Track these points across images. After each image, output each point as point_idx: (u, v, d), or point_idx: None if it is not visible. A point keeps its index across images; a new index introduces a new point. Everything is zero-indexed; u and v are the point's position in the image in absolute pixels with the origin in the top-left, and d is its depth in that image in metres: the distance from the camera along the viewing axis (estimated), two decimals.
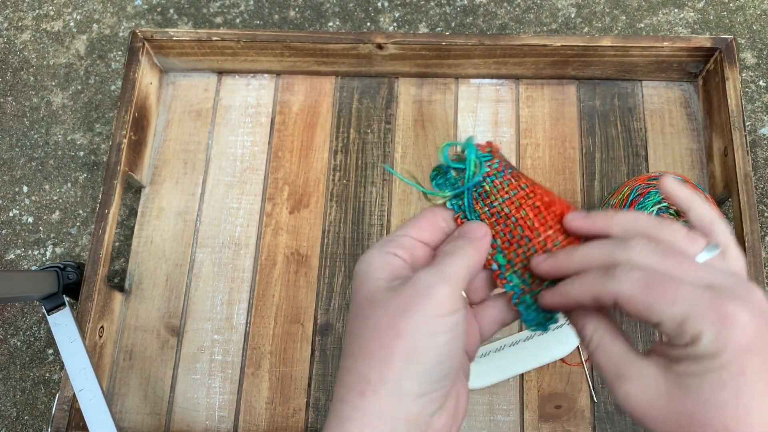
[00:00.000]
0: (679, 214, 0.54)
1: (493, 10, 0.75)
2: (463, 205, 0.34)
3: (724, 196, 0.60)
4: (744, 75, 0.70)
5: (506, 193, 0.34)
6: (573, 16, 0.74)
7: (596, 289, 0.29)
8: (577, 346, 0.58)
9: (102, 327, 0.59)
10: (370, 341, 0.28)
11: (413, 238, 0.32)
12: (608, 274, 0.28)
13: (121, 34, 0.76)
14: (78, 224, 0.69)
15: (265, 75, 0.70)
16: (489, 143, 0.35)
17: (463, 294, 0.32)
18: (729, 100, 0.60)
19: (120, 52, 0.75)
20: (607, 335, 0.31)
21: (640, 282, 0.27)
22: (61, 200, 0.70)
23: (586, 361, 0.58)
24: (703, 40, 0.62)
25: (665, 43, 0.62)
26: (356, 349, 0.29)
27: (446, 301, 0.28)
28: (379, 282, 0.30)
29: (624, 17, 0.73)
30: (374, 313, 0.29)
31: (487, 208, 0.34)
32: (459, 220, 0.34)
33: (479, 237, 0.33)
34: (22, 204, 0.70)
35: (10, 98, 0.74)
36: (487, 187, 0.34)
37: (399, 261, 0.31)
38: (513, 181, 0.34)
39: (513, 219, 0.34)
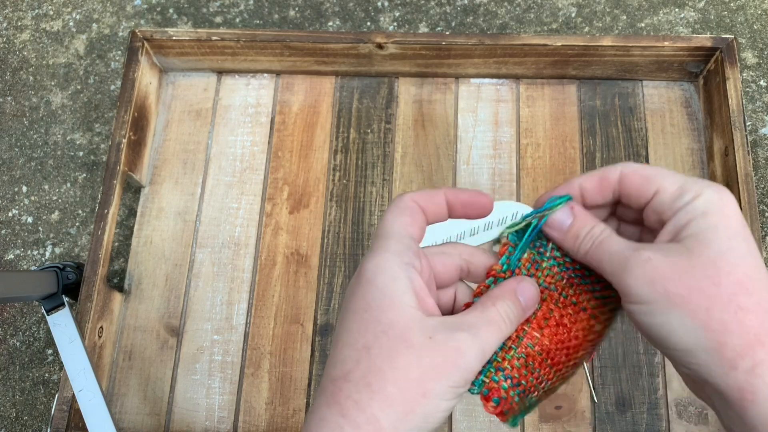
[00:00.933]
0: None
1: (494, 9, 0.74)
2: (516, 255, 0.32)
3: None
4: (745, 75, 0.70)
5: (552, 278, 0.32)
6: (573, 15, 0.74)
7: (602, 172, 0.30)
8: None
9: (101, 327, 0.59)
10: (394, 386, 0.27)
11: (427, 257, 0.30)
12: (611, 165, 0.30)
13: (120, 33, 0.76)
14: (77, 224, 0.68)
15: (265, 75, 0.70)
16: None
17: None
18: (730, 100, 0.60)
19: (119, 52, 0.75)
20: (608, 230, 0.30)
21: (642, 164, 0.30)
22: (60, 200, 0.70)
23: (586, 361, 0.58)
24: (704, 39, 0.62)
25: (666, 43, 0.62)
26: (375, 386, 0.27)
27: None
28: (410, 312, 0.28)
29: (625, 17, 0.73)
30: (404, 355, 0.27)
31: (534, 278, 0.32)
32: (494, 272, 0.32)
33: (529, 307, 0.31)
34: (22, 204, 0.70)
35: (9, 98, 0.74)
36: (545, 264, 0.32)
37: (419, 280, 0.29)
38: (564, 279, 0.32)
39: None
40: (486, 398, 0.31)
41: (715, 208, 0.27)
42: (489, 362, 0.30)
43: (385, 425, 0.26)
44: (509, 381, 0.30)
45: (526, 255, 0.32)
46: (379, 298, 0.28)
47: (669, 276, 0.26)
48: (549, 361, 0.31)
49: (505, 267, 0.32)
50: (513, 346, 0.31)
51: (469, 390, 0.30)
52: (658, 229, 0.29)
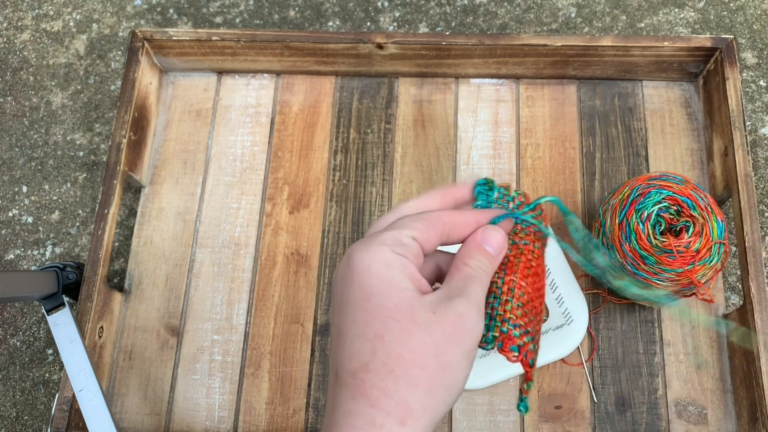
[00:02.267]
0: (679, 214, 0.54)
1: (494, 9, 0.74)
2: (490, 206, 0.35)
3: (724, 196, 0.60)
4: (744, 75, 0.70)
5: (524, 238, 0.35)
6: (573, 15, 0.74)
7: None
8: (578, 347, 0.58)
9: (102, 327, 0.59)
10: (415, 367, 0.27)
11: (417, 241, 0.31)
12: None
13: (120, 33, 0.76)
14: (77, 224, 0.69)
15: (265, 75, 0.70)
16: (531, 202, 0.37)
17: None
18: (729, 100, 0.60)
19: (120, 52, 0.75)
20: None
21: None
22: (60, 200, 0.70)
23: (586, 361, 0.58)
24: (704, 39, 0.62)
25: (665, 43, 0.62)
26: (397, 371, 0.27)
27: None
28: (410, 294, 0.29)
29: (624, 17, 0.73)
30: (417, 334, 0.28)
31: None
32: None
33: (498, 254, 0.33)
34: (22, 204, 0.70)
35: (9, 98, 0.74)
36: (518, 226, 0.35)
37: (413, 269, 0.30)
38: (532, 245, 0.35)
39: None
40: (503, 350, 0.32)
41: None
42: (492, 319, 0.32)
43: (414, 407, 0.27)
44: (518, 329, 0.32)
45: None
46: (377, 285, 0.28)
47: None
48: (533, 309, 0.33)
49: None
50: (509, 298, 0.32)
51: (485, 347, 0.31)
52: None
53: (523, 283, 0.33)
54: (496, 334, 0.31)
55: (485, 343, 0.31)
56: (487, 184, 0.36)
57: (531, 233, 0.36)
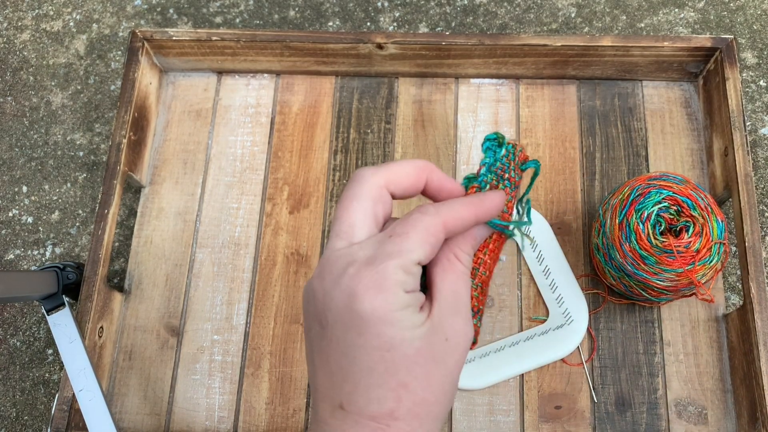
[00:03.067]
0: (679, 214, 0.54)
1: (494, 9, 0.74)
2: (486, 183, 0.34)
3: (724, 196, 0.60)
4: (744, 75, 0.70)
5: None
6: (573, 15, 0.74)
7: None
8: (578, 347, 0.58)
9: (101, 327, 0.59)
10: (437, 405, 0.28)
11: (421, 263, 0.29)
12: None
13: (120, 33, 0.76)
14: (77, 224, 0.69)
15: (265, 75, 0.70)
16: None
17: None
18: (729, 100, 0.60)
19: (120, 52, 0.75)
20: None
21: None
22: (60, 200, 0.70)
23: (586, 361, 0.58)
24: (704, 39, 0.62)
25: (665, 43, 0.62)
26: (422, 414, 0.28)
27: (470, 342, 0.30)
28: (426, 330, 0.28)
29: (624, 17, 0.73)
30: (437, 373, 0.28)
31: None
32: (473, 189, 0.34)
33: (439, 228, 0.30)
34: (22, 204, 0.70)
35: (9, 98, 0.74)
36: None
37: (421, 297, 0.29)
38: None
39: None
40: None
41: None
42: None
43: (429, 427, 0.28)
44: (476, 316, 0.32)
45: (488, 187, 0.34)
46: (396, 334, 0.27)
47: None
48: (488, 279, 0.33)
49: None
50: (471, 279, 0.32)
51: None
52: None
53: (488, 260, 0.33)
54: None
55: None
56: (497, 140, 0.35)
57: (507, 195, 0.34)
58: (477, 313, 0.32)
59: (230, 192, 0.66)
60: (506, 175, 0.34)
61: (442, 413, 0.29)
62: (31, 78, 0.75)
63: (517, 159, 0.35)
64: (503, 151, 0.35)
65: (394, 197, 0.30)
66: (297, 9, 0.76)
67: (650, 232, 0.53)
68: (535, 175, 0.36)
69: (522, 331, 0.59)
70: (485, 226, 0.32)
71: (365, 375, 0.27)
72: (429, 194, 0.32)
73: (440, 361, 0.28)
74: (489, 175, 0.34)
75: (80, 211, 0.69)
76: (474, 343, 0.31)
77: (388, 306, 0.27)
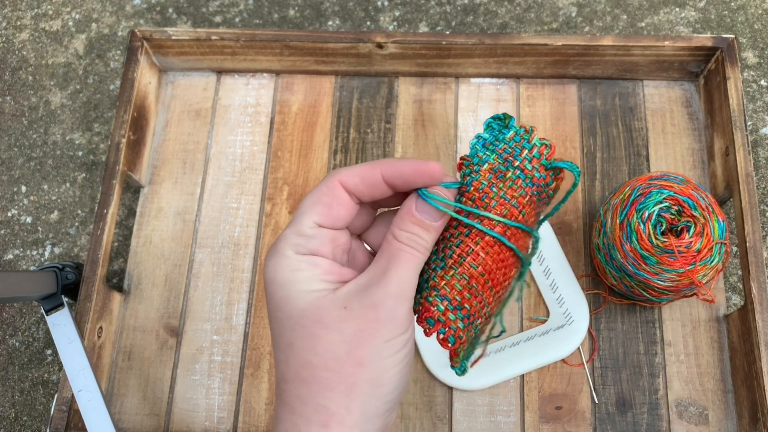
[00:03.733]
0: (680, 214, 0.53)
1: (494, 9, 0.74)
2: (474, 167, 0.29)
3: (725, 196, 0.60)
4: (745, 74, 0.70)
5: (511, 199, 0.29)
6: (574, 15, 0.74)
7: None
8: (578, 347, 0.58)
9: (101, 327, 0.59)
10: (326, 370, 0.26)
11: (329, 228, 0.29)
12: None
13: (120, 33, 0.76)
14: (77, 224, 0.68)
15: (265, 74, 0.70)
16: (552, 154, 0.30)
17: None
18: (730, 100, 0.59)
19: (119, 52, 0.75)
20: None
21: None
22: (59, 200, 0.69)
23: (587, 361, 0.58)
24: (705, 39, 0.62)
25: (666, 43, 0.62)
26: (308, 377, 0.26)
27: (405, 320, 0.27)
28: (318, 294, 0.27)
29: (625, 16, 0.73)
30: (324, 336, 0.26)
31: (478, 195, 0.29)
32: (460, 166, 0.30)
33: (438, 221, 0.29)
34: (21, 204, 0.70)
35: (8, 98, 0.74)
36: (510, 175, 0.29)
37: (327, 264, 0.28)
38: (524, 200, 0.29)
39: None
40: (419, 319, 0.29)
41: None
42: (426, 282, 0.29)
43: (334, 409, 0.26)
44: (446, 302, 0.28)
45: (486, 165, 0.30)
46: (284, 294, 0.27)
47: None
48: (490, 282, 0.29)
49: (462, 181, 0.30)
50: (453, 266, 0.29)
51: (415, 313, 0.29)
52: None
53: (482, 254, 0.29)
54: (420, 299, 0.29)
55: (415, 309, 0.29)
56: (503, 120, 0.30)
57: (519, 188, 0.30)
58: (461, 309, 0.28)
59: (230, 192, 0.66)
60: (516, 162, 0.30)
61: (340, 384, 0.26)
62: (30, 77, 0.75)
63: (535, 149, 0.30)
64: (510, 134, 0.30)
65: (360, 198, 0.30)
66: (297, 8, 0.76)
67: (651, 232, 0.53)
68: (574, 185, 0.31)
69: (522, 331, 0.59)
70: (420, 200, 0.28)
71: (273, 339, 0.28)
72: (393, 184, 0.29)
73: (331, 327, 0.26)
74: (485, 152, 0.30)
75: (79, 211, 0.69)
76: (452, 347, 0.29)
77: (276, 267, 0.28)
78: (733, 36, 0.62)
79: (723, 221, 0.53)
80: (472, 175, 0.30)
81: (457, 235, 0.29)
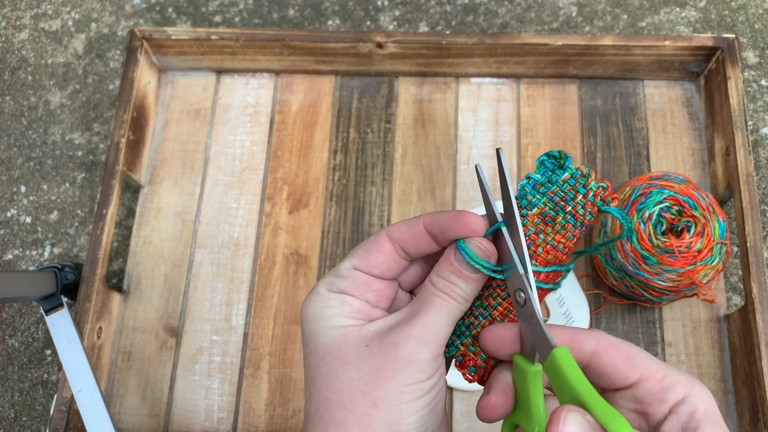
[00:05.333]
0: (681, 214, 0.53)
1: (494, 8, 0.74)
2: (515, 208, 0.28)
3: (726, 196, 0.60)
4: (746, 74, 0.70)
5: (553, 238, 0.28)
6: (574, 14, 0.73)
7: (578, 336, 0.27)
8: None
9: (100, 328, 0.59)
10: (342, 409, 0.25)
11: (365, 273, 0.28)
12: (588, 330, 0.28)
13: (119, 33, 0.76)
14: (76, 224, 0.68)
15: (265, 74, 0.70)
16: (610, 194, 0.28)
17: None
18: (731, 100, 0.59)
19: (118, 51, 0.75)
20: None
21: (616, 339, 0.27)
22: (59, 200, 0.69)
23: None
24: (705, 39, 0.62)
25: (667, 42, 0.61)
26: (325, 415, 0.26)
27: (428, 366, 0.26)
28: (343, 331, 0.27)
29: (625, 16, 0.73)
30: (343, 373, 0.26)
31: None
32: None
33: (475, 276, 0.28)
34: (20, 204, 0.69)
35: (8, 98, 0.74)
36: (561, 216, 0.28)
37: (357, 303, 0.28)
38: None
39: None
40: (461, 365, 0.29)
41: (713, 408, 0.26)
42: (467, 329, 0.29)
43: None
44: (464, 364, 0.29)
45: (536, 210, 0.28)
46: (312, 329, 0.27)
47: None
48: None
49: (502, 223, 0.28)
50: (499, 318, 0.28)
51: (446, 354, 0.28)
52: (633, 411, 0.27)
53: (493, 308, 0.29)
54: (461, 348, 0.29)
55: (447, 349, 0.29)
56: (558, 159, 0.28)
57: (568, 232, 0.28)
58: (466, 361, 0.28)
59: (229, 192, 0.66)
60: (569, 208, 0.28)
61: (354, 425, 0.25)
62: (30, 77, 0.75)
63: (591, 194, 0.28)
64: (565, 175, 0.28)
65: (407, 250, 0.29)
66: (296, 8, 0.76)
67: (651, 232, 0.52)
68: (621, 234, 0.29)
69: None
70: (455, 250, 0.28)
71: (310, 375, 0.28)
72: (434, 234, 0.29)
73: (350, 364, 0.26)
74: (535, 195, 0.28)
75: (79, 211, 0.69)
76: (484, 380, 0.29)
77: (309, 303, 0.28)
78: (733, 36, 0.62)
79: (723, 221, 0.53)
80: (521, 220, 0.29)
81: (504, 287, 0.28)
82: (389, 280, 0.29)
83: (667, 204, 0.53)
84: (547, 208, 0.28)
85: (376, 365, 0.26)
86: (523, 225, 0.28)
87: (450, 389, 0.58)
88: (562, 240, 0.28)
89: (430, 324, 0.26)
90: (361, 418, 0.25)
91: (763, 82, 0.69)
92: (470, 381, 0.29)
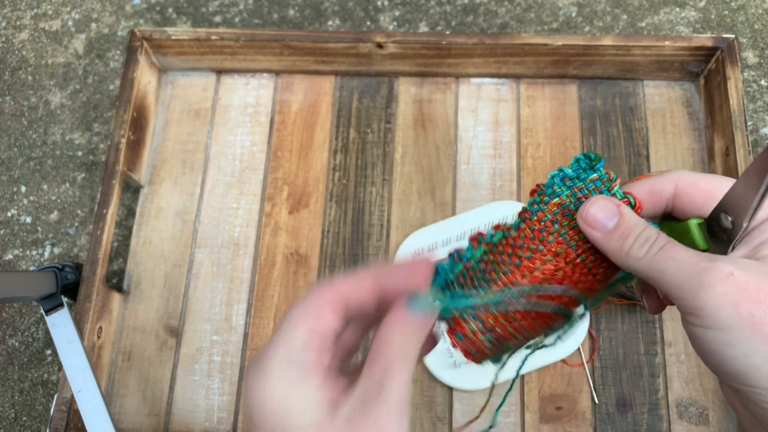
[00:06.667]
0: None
1: (494, 8, 0.74)
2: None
3: None
4: (745, 74, 0.70)
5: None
6: (574, 15, 0.73)
7: (652, 185, 0.27)
8: (579, 347, 0.58)
9: (100, 327, 0.59)
10: None
11: (319, 336, 0.25)
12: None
13: (119, 33, 0.76)
14: (76, 224, 0.68)
15: (265, 74, 0.70)
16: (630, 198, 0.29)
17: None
18: (731, 100, 0.59)
19: (119, 52, 0.75)
20: (664, 234, 0.25)
21: (696, 174, 0.27)
22: (59, 200, 0.69)
23: (587, 362, 0.58)
24: (705, 39, 0.62)
25: (666, 43, 0.62)
26: None
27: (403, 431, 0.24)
28: (317, 422, 0.24)
29: (625, 16, 0.73)
30: None
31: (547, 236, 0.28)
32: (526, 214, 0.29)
33: (425, 330, 0.26)
34: (21, 204, 0.69)
35: (8, 98, 0.74)
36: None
37: (317, 381, 0.25)
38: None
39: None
40: (450, 330, 0.29)
41: None
42: (464, 296, 0.28)
43: None
44: (479, 324, 0.28)
45: (557, 200, 0.29)
46: (277, 427, 0.24)
47: (756, 298, 0.22)
48: (534, 313, 0.28)
49: (530, 208, 0.29)
50: (497, 292, 0.28)
51: (439, 318, 0.28)
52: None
53: (527, 288, 0.28)
54: (455, 313, 0.28)
55: (442, 315, 0.28)
56: (590, 161, 0.29)
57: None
58: (493, 332, 0.28)
59: (229, 192, 0.66)
60: None
61: None
62: (30, 77, 0.75)
63: (615, 199, 0.29)
64: (593, 176, 0.29)
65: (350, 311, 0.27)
66: (296, 8, 0.76)
67: None
68: (621, 279, 0.29)
69: None
70: (410, 300, 0.26)
71: None
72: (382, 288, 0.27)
73: None
74: (561, 186, 0.29)
75: (79, 211, 0.69)
76: (470, 354, 0.28)
77: (264, 391, 0.25)
78: (733, 36, 0.62)
79: None
80: (540, 206, 0.29)
81: (509, 263, 0.28)
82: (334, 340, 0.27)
83: None
84: (569, 201, 0.29)
85: None
86: (541, 210, 0.29)
87: (450, 389, 0.58)
88: (575, 237, 0.28)
89: (402, 392, 0.25)
90: None
91: (762, 82, 0.69)
92: (454, 346, 0.29)
